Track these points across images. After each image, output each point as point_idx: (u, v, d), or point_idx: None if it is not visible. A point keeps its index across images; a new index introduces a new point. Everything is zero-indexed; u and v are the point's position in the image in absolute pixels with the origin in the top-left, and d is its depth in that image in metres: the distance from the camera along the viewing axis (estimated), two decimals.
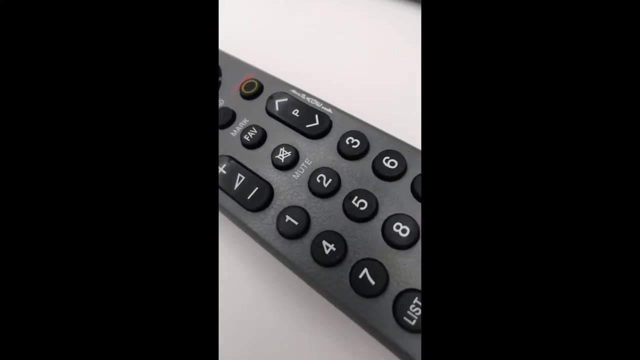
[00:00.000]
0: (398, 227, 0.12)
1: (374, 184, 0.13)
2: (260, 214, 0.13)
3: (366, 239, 0.12)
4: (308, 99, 0.16)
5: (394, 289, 0.11)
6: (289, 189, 0.14)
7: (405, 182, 0.13)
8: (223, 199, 0.14)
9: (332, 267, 0.12)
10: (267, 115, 0.16)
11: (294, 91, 0.16)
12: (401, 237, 0.12)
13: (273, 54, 0.21)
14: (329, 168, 0.14)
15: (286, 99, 0.16)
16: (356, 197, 0.13)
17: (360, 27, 0.22)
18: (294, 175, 0.14)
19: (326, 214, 0.13)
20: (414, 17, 0.21)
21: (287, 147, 0.14)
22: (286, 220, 0.13)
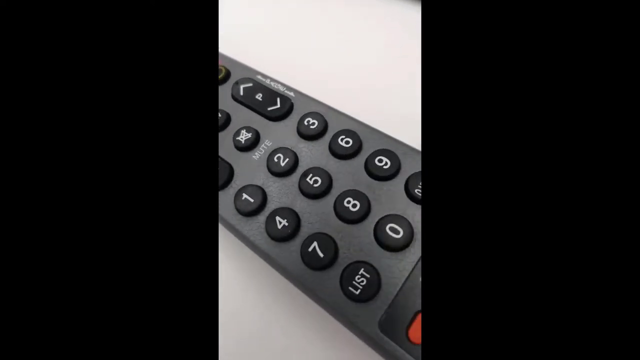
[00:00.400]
0: (349, 202, 0.12)
1: (329, 162, 0.14)
2: (220, 194, 0.14)
3: (319, 215, 0.13)
4: (272, 83, 0.16)
5: (342, 261, 0.12)
6: (249, 169, 0.14)
7: (360, 160, 0.13)
8: None
9: (284, 242, 0.12)
10: (232, 100, 0.16)
11: (259, 77, 0.17)
12: (352, 211, 0.12)
13: (272, 53, 0.20)
14: (287, 148, 0.14)
15: (251, 84, 0.16)
16: (311, 175, 0.13)
17: (361, 27, 0.21)
18: (254, 156, 0.14)
19: (282, 192, 0.13)
20: (415, 15, 0.21)
21: (248, 129, 0.15)
22: (243, 198, 0.13)
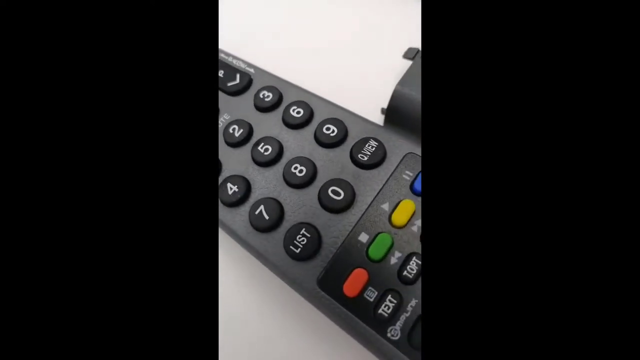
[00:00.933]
0: (296, 167, 0.13)
1: (281, 132, 0.14)
2: None
3: (269, 181, 0.13)
4: (234, 61, 0.17)
5: (287, 223, 0.12)
6: None
7: (310, 129, 0.14)
8: None
9: (234, 207, 0.13)
10: None
11: (222, 55, 0.17)
12: (299, 177, 0.13)
13: (272, 53, 0.20)
14: (243, 120, 0.15)
15: None
16: (262, 144, 0.14)
17: (361, 27, 0.21)
18: None
19: (236, 162, 0.14)
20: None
21: None
22: None
